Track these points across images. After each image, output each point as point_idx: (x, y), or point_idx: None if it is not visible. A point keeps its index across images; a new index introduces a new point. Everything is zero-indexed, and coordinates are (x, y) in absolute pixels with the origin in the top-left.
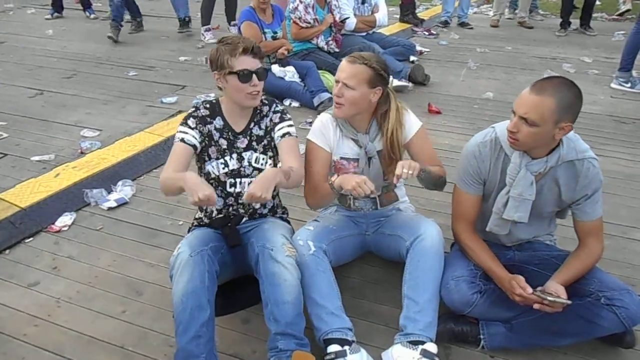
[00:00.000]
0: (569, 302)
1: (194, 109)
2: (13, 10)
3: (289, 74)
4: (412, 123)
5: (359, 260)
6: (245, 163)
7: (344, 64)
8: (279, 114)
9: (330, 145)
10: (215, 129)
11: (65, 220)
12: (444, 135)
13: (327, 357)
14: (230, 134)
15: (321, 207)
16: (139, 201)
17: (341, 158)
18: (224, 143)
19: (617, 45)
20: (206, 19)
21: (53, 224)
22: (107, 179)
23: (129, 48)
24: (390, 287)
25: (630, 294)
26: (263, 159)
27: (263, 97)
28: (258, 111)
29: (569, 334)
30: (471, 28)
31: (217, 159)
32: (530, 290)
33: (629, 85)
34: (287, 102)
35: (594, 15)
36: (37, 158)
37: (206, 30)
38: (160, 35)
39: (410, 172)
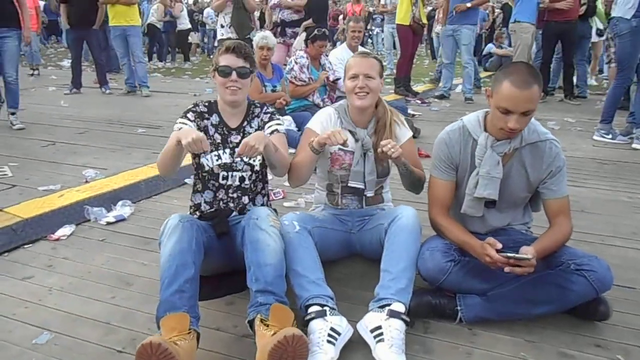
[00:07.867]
0: (529, 257)
1: (193, 105)
2: (35, 88)
3: (286, 122)
4: (406, 130)
5: (345, 258)
6: (237, 158)
7: (357, 60)
8: (269, 115)
9: None
10: (212, 124)
11: (64, 231)
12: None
13: (307, 317)
14: (224, 129)
15: (302, 178)
16: (136, 218)
17: (339, 149)
18: (218, 138)
19: (600, 111)
20: None
21: (53, 233)
22: (108, 200)
23: (140, 113)
24: (376, 278)
25: (598, 259)
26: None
27: (256, 101)
28: (251, 112)
29: (542, 302)
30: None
31: (211, 151)
32: (499, 245)
33: (610, 136)
34: None
35: None
36: (44, 188)
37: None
38: (171, 104)
39: (392, 149)
